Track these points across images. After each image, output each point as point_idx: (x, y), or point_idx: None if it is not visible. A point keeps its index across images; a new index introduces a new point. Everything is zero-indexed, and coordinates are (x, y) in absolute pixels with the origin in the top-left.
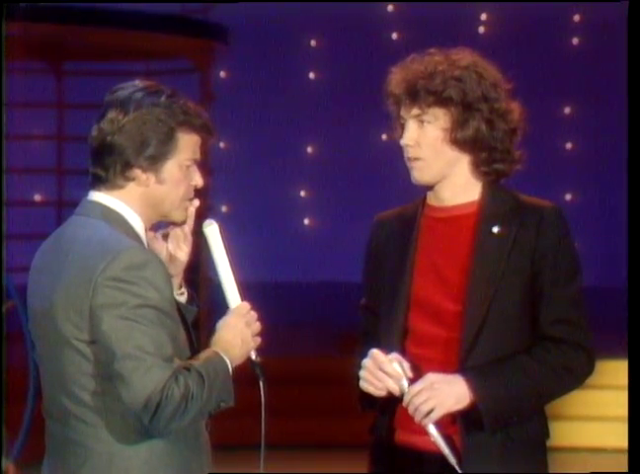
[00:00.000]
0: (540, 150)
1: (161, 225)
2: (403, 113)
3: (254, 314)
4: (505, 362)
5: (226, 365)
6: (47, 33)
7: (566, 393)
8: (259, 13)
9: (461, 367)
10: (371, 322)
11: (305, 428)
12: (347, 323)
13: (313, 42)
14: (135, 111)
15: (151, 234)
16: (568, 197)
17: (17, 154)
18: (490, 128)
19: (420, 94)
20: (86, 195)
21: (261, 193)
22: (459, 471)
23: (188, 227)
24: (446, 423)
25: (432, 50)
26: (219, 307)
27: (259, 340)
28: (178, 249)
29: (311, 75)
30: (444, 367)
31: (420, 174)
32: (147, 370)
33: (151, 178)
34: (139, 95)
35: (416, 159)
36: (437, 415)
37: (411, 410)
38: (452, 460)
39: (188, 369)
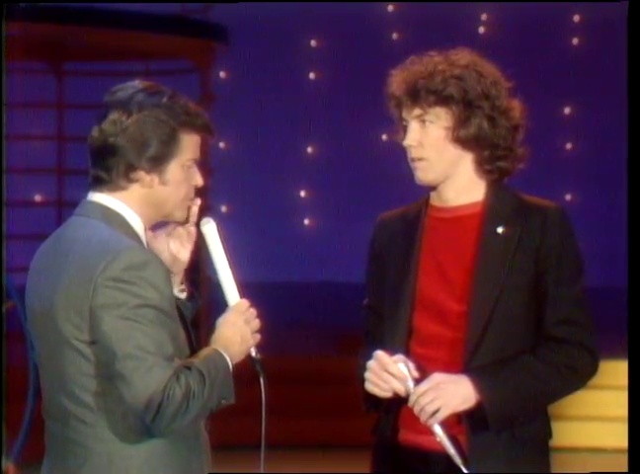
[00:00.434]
0: (540, 150)
1: (160, 225)
2: (405, 114)
3: (253, 311)
4: (510, 362)
5: (226, 363)
6: (47, 33)
7: (570, 393)
8: (259, 13)
9: (466, 368)
10: (375, 323)
11: (305, 427)
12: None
13: (313, 42)
14: (138, 112)
15: (150, 234)
16: (568, 197)
17: (17, 154)
18: (492, 126)
19: (420, 94)
20: (86, 195)
21: (261, 193)
22: (465, 471)
23: (192, 226)
24: (452, 423)
25: (431, 53)
26: (219, 306)
27: (258, 337)
28: (181, 248)
29: (311, 75)
30: (449, 367)
31: (424, 174)
32: (148, 370)
33: (155, 179)
34: (141, 96)
35: (419, 159)
36: (442, 415)
37: (417, 410)
38: (458, 460)
39: (188, 368)
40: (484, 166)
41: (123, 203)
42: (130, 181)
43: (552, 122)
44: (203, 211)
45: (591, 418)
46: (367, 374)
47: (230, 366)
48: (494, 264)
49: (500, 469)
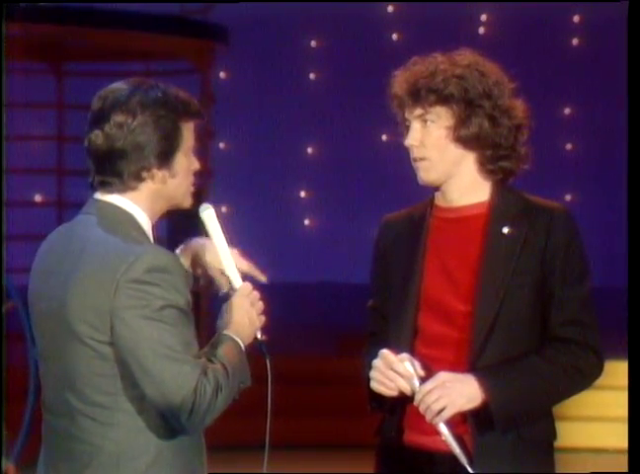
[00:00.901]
0: (540, 150)
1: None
2: (407, 114)
3: (256, 294)
4: (516, 363)
5: (240, 347)
6: (47, 33)
7: (576, 393)
8: (259, 13)
9: (471, 368)
10: (379, 323)
11: (305, 427)
12: (347, 323)
13: (313, 43)
14: (142, 112)
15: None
16: (568, 197)
17: (17, 154)
18: (493, 125)
19: (421, 93)
20: (91, 195)
21: (261, 193)
22: (470, 471)
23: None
24: (457, 422)
25: (434, 54)
26: (219, 305)
27: (263, 318)
28: (197, 268)
29: (311, 75)
30: (454, 368)
31: (426, 174)
32: (180, 370)
33: (166, 174)
34: (139, 95)
35: (421, 159)
36: (448, 414)
37: (422, 408)
38: (463, 460)
39: (211, 361)
40: (487, 166)
41: (132, 202)
42: (141, 180)
43: (552, 122)
44: (202, 197)
45: (591, 418)
46: (373, 373)
47: (243, 349)
48: (499, 264)
49: (505, 469)
